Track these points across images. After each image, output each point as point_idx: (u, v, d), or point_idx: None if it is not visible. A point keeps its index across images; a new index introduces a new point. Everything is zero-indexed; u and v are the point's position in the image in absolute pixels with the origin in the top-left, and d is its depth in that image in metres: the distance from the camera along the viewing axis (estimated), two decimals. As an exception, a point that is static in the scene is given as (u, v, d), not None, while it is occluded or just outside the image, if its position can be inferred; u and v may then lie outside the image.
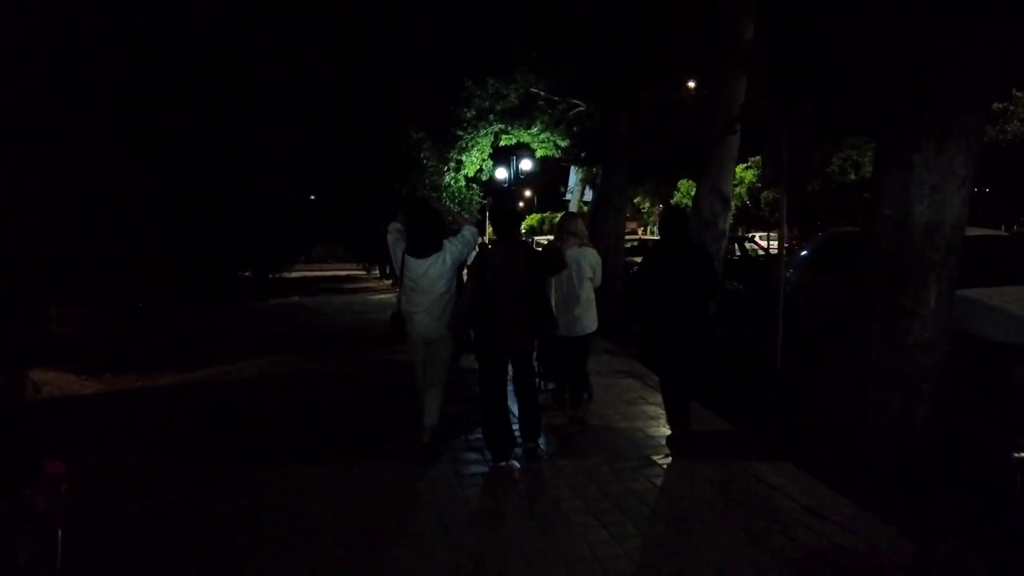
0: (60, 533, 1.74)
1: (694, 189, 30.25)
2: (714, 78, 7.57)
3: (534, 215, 51.69)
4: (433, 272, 4.30)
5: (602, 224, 10.90)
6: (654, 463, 4.43)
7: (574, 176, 16.71)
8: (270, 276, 21.65)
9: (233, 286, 15.78)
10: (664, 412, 4.89)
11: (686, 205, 32.67)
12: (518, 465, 4.35)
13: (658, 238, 5.09)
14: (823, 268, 7.86)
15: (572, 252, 4.93)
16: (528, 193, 73.55)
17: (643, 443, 4.80)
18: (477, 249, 4.75)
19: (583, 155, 12.41)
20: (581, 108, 13.40)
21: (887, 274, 4.02)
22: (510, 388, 4.55)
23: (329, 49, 20.24)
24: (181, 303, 10.97)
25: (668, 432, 4.80)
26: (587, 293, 5.01)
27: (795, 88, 6.12)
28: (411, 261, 4.33)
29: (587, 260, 5.02)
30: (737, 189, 28.03)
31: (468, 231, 4.56)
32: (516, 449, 4.48)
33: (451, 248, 4.37)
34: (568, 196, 16.82)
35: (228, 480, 4.17)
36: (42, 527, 1.69)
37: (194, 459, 4.61)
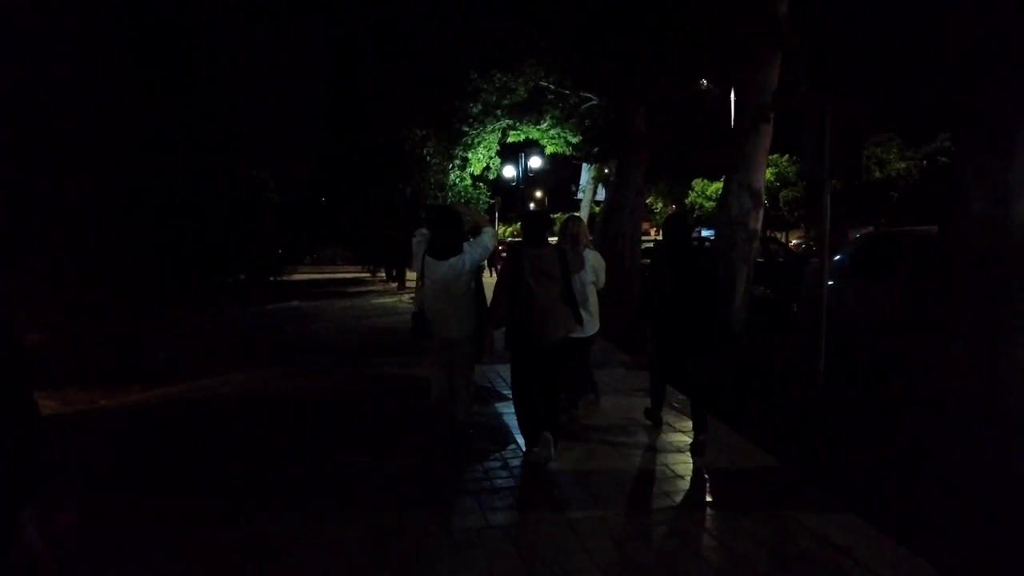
0: None
1: (709, 188, 29.43)
2: (744, 63, 6.79)
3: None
4: (453, 273, 4.45)
5: (616, 225, 10.15)
6: (685, 513, 3.67)
7: (586, 174, 15.93)
8: (271, 279, 21.14)
9: (222, 290, 15.19)
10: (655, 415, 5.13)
11: (700, 205, 31.99)
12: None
13: (661, 243, 5.28)
14: (866, 273, 7.07)
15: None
16: (539, 194, 72.95)
17: (670, 485, 4.04)
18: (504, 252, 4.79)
19: (596, 151, 11.63)
20: (594, 102, 12.65)
21: (977, 283, 3.24)
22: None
23: (329, 41, 19.61)
24: (158, 308, 10.33)
25: (696, 466, 4.32)
26: (590, 296, 5.04)
27: (837, 71, 5.34)
28: (432, 262, 4.48)
29: (588, 263, 5.05)
30: (754, 188, 27.19)
31: (487, 234, 4.69)
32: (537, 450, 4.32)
33: (471, 250, 4.54)
34: (580, 195, 16.02)
35: (177, 533, 3.44)
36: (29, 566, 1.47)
37: (146, 502, 3.88)
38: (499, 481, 4.10)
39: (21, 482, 1.44)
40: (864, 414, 5.40)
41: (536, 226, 4.53)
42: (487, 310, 4.57)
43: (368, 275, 21.99)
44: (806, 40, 6.51)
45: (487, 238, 4.66)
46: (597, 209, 22.64)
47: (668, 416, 5.45)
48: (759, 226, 7.10)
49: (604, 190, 16.46)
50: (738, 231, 6.84)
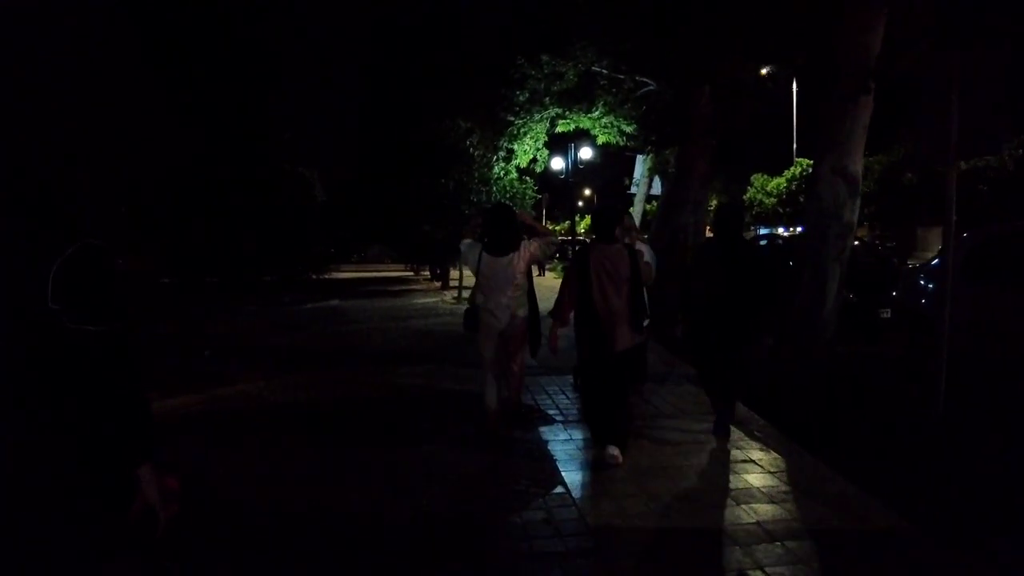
0: None
1: (769, 183, 27.83)
2: (840, 24, 5.70)
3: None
4: (509, 269, 4.58)
5: (677, 219, 9.13)
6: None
7: (640, 166, 14.86)
8: (314, 277, 20.73)
9: (252, 289, 14.71)
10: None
11: (759, 201, 30.33)
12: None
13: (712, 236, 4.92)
14: (985, 276, 5.91)
15: None
16: (588, 191, 71.73)
17: (763, 553, 3.07)
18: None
19: (655, 138, 10.60)
20: (651, 87, 11.61)
21: None
22: None
23: (372, 27, 19.03)
24: (184, 307, 9.81)
25: (798, 523, 3.29)
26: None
27: (964, 26, 4.25)
28: (488, 258, 4.62)
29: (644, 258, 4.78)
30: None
31: (552, 240, 4.86)
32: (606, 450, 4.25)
33: (528, 248, 4.66)
34: (633, 189, 14.96)
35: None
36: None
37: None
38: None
39: (138, 443, 1.60)
40: (998, 450, 4.33)
41: (608, 222, 4.40)
42: (552, 309, 4.54)
43: (411, 273, 21.32)
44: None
45: (551, 241, 4.84)
46: (650, 207, 21.49)
47: (750, 450, 4.47)
48: (855, 218, 6.00)
49: (660, 183, 15.38)
50: (830, 224, 5.77)
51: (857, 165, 5.85)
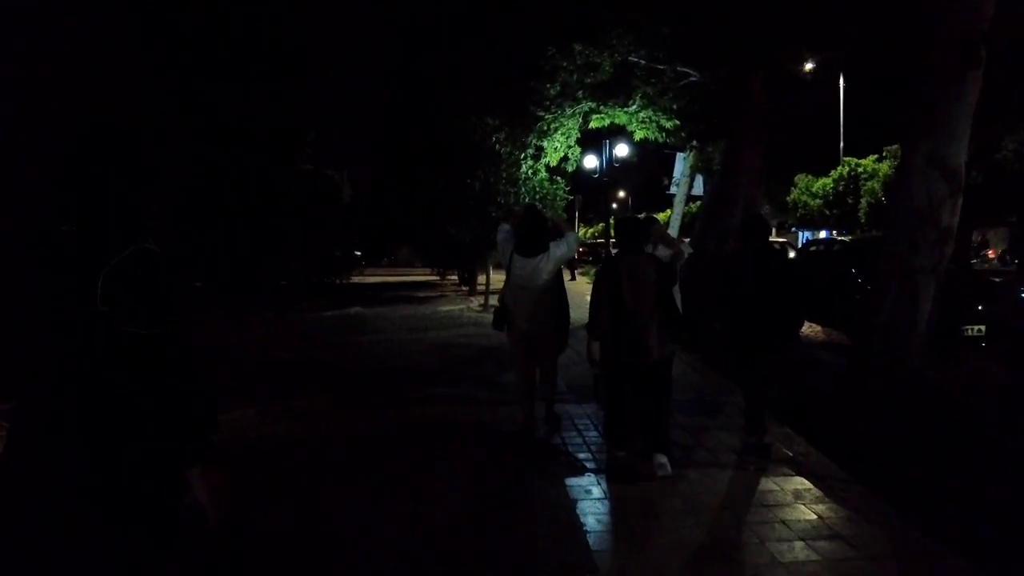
0: None
1: (815, 184, 26.37)
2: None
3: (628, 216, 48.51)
4: (539, 270, 4.65)
5: (725, 220, 8.13)
6: None
7: (681, 164, 13.81)
8: (336, 282, 20.10)
9: (277, 294, 14.08)
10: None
11: (803, 203, 28.83)
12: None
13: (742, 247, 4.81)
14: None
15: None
16: (622, 193, 70.21)
17: None
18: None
19: (702, 128, 9.57)
20: (694, 78, 10.60)
21: None
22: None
23: (396, 23, 18.37)
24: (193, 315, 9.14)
25: None
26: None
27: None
28: (519, 259, 4.71)
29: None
30: (869, 184, 24.05)
31: (572, 237, 4.89)
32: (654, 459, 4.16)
33: (555, 250, 4.72)
34: (673, 189, 13.91)
35: None
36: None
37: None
38: None
39: (189, 445, 1.60)
40: None
41: (633, 232, 4.45)
42: (588, 322, 4.41)
43: (438, 278, 20.51)
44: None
45: (571, 240, 4.87)
46: (693, 207, 20.34)
47: (814, 504, 3.49)
48: (955, 222, 4.94)
49: (702, 183, 14.33)
50: (925, 228, 4.74)
51: (960, 156, 4.81)
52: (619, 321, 4.26)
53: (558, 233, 4.88)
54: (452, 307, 14.63)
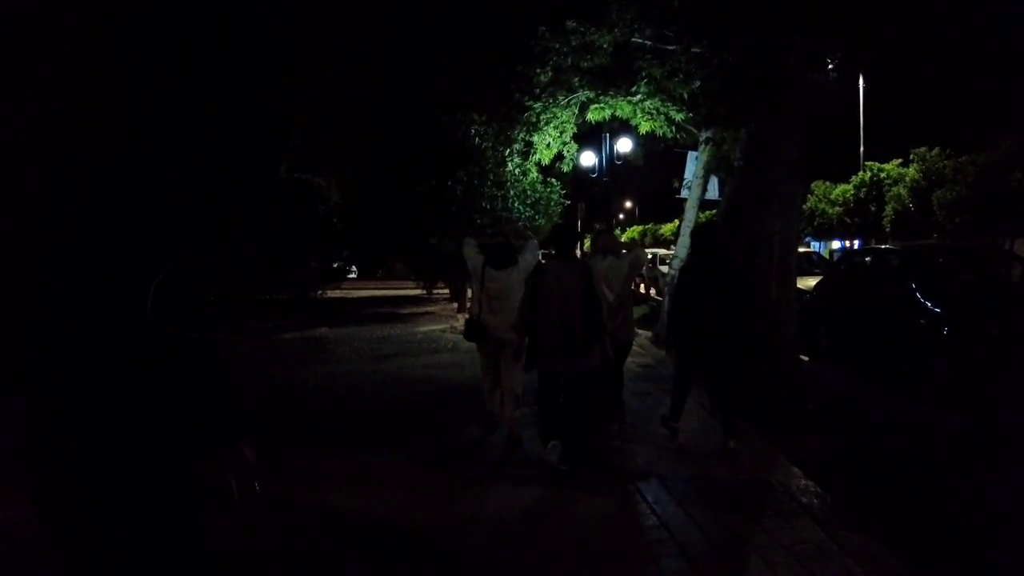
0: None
1: (833, 191, 24.55)
2: None
3: (635, 227, 47.02)
4: (510, 282, 4.95)
5: (758, 224, 6.42)
6: None
7: (692, 164, 12.09)
8: (317, 296, 18.43)
9: (241, 311, 12.45)
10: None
11: (821, 211, 27.01)
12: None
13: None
14: None
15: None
16: (628, 203, 68.50)
17: None
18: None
19: (722, 110, 7.84)
20: (707, 56, 8.88)
21: None
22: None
23: (382, 20, 17.14)
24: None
25: None
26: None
27: None
28: (492, 272, 4.99)
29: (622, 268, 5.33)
30: (894, 190, 22.25)
31: (532, 243, 5.22)
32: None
33: (522, 261, 5.00)
34: (684, 192, 12.18)
35: None
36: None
37: None
38: None
39: (223, 427, 1.86)
40: None
41: (564, 240, 4.73)
42: (516, 321, 4.70)
43: (424, 292, 18.75)
44: None
45: (532, 246, 5.16)
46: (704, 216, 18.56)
47: None
48: None
49: (716, 184, 12.61)
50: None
51: None
52: (540, 331, 4.39)
53: (522, 239, 5.22)
54: (434, 327, 12.92)
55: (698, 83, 8.76)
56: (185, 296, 1.77)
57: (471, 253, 5.12)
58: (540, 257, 5.12)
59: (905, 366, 6.99)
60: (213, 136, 10.15)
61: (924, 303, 6.78)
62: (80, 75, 6.39)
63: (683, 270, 5.22)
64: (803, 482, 4.24)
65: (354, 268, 34.90)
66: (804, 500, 3.99)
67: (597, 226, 6.79)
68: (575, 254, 4.67)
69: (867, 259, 8.93)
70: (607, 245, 5.34)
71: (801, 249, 25.69)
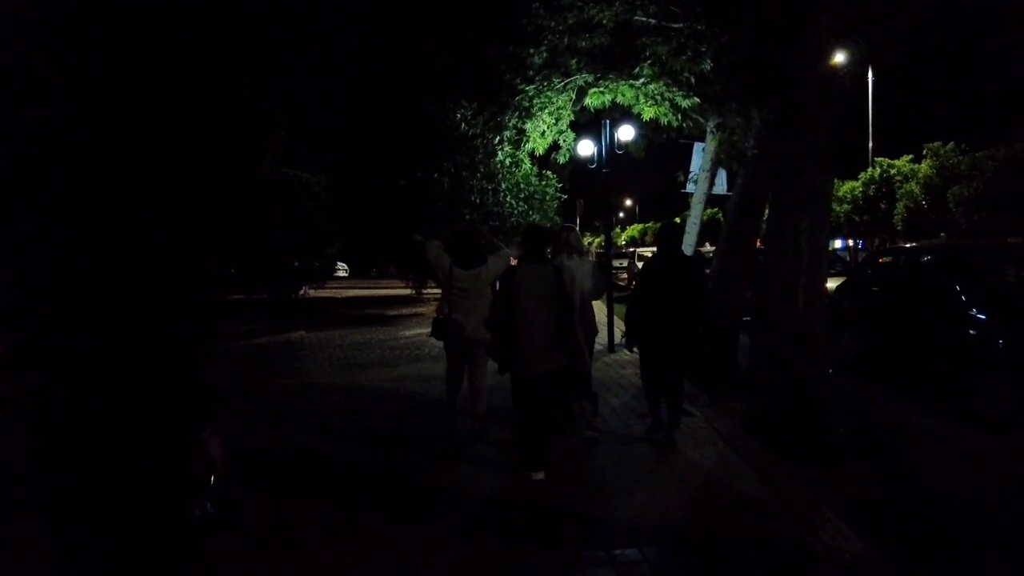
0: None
1: (841, 188, 23.62)
2: None
3: (635, 225, 46.20)
4: (478, 282, 5.06)
5: (778, 221, 5.49)
6: None
7: (699, 157, 11.19)
8: (300, 296, 17.50)
9: (214, 313, 11.54)
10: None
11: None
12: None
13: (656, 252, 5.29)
14: None
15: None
16: (629, 201, 67.58)
17: None
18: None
19: (738, 88, 6.91)
20: (719, 36, 7.94)
21: None
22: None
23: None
24: None
25: None
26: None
27: None
28: (459, 272, 5.04)
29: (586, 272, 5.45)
30: (906, 187, 21.34)
31: (504, 252, 5.30)
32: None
33: (492, 263, 5.10)
34: (690, 186, 11.25)
35: None
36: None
37: None
38: None
39: (204, 408, 2.07)
40: None
41: (535, 242, 4.60)
42: (488, 318, 4.82)
43: (412, 292, 17.76)
44: None
45: (504, 255, 5.24)
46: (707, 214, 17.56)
47: None
48: None
49: (724, 178, 11.69)
50: None
51: None
52: (512, 333, 4.37)
53: (494, 248, 5.29)
54: (420, 330, 11.98)
55: (708, 62, 7.85)
56: (155, 297, 2.01)
57: (436, 253, 5.19)
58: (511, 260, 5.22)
59: (949, 382, 6.08)
60: (182, 131, 9.55)
61: (972, 310, 5.86)
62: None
63: (643, 271, 5.34)
64: (856, 545, 3.32)
65: (344, 267, 33.92)
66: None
67: (566, 224, 6.22)
68: (546, 256, 4.75)
69: (898, 259, 7.99)
70: (575, 243, 5.51)
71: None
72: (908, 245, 11.01)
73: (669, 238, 5.09)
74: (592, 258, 5.94)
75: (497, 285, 4.87)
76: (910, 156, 22.91)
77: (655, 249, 5.72)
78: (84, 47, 7.61)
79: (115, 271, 1.98)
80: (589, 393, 5.63)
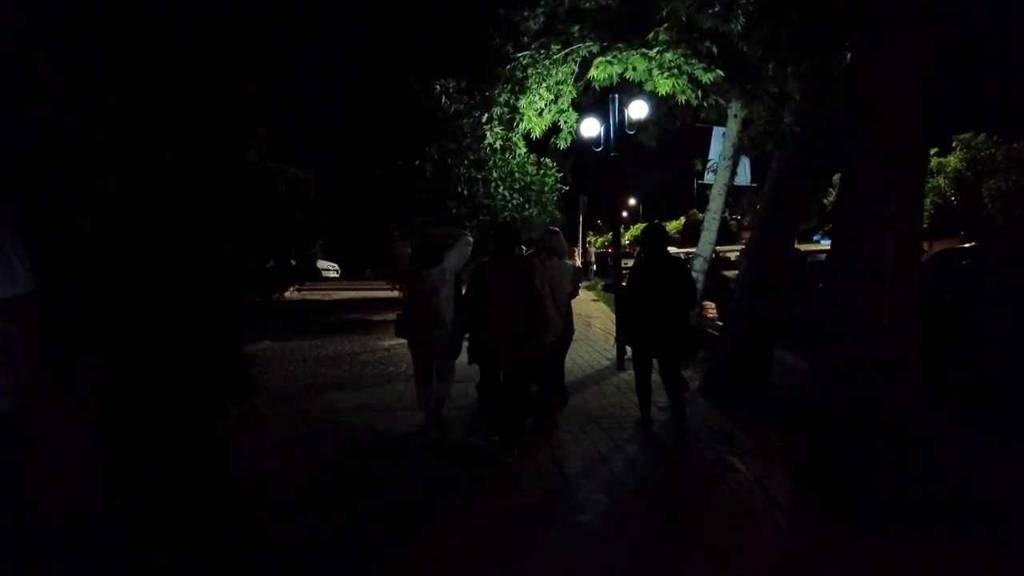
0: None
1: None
2: None
3: (638, 224, 44.59)
4: (436, 280, 5.12)
5: (853, 210, 4.09)
6: None
7: (719, 141, 9.76)
8: (277, 299, 16.08)
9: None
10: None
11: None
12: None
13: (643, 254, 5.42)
14: None
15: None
16: (632, 201, 65.88)
17: None
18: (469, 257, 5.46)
19: (786, 35, 5.47)
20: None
21: None
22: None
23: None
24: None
25: None
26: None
27: None
28: (417, 271, 5.19)
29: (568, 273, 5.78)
30: (934, 181, 19.91)
31: (464, 240, 5.41)
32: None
33: (448, 260, 5.21)
34: (709, 176, 9.83)
35: None
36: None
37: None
38: None
39: (238, 390, 2.57)
40: None
41: (504, 239, 4.73)
42: (457, 317, 5.09)
43: (398, 294, 16.27)
44: None
45: (462, 244, 5.34)
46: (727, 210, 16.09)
47: None
48: None
49: (747, 168, 10.30)
50: None
51: None
52: (480, 327, 4.61)
53: (456, 237, 5.42)
54: (400, 340, 10.60)
55: (740, 19, 6.46)
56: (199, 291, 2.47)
57: (398, 252, 5.41)
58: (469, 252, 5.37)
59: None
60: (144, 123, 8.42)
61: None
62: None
63: (631, 271, 5.44)
64: None
65: (335, 267, 32.45)
66: None
67: (549, 229, 6.15)
68: (515, 253, 4.91)
69: (972, 261, 6.56)
70: (557, 247, 5.65)
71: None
72: (982, 243, 9.51)
73: (654, 238, 5.27)
74: (573, 262, 6.17)
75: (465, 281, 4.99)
76: (935, 149, 21.51)
77: (638, 249, 5.84)
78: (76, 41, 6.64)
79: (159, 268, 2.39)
80: (560, 388, 5.82)
